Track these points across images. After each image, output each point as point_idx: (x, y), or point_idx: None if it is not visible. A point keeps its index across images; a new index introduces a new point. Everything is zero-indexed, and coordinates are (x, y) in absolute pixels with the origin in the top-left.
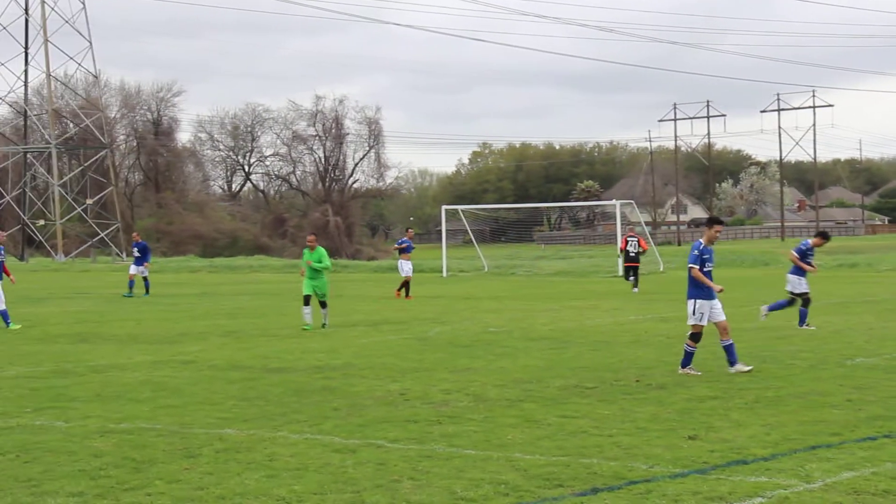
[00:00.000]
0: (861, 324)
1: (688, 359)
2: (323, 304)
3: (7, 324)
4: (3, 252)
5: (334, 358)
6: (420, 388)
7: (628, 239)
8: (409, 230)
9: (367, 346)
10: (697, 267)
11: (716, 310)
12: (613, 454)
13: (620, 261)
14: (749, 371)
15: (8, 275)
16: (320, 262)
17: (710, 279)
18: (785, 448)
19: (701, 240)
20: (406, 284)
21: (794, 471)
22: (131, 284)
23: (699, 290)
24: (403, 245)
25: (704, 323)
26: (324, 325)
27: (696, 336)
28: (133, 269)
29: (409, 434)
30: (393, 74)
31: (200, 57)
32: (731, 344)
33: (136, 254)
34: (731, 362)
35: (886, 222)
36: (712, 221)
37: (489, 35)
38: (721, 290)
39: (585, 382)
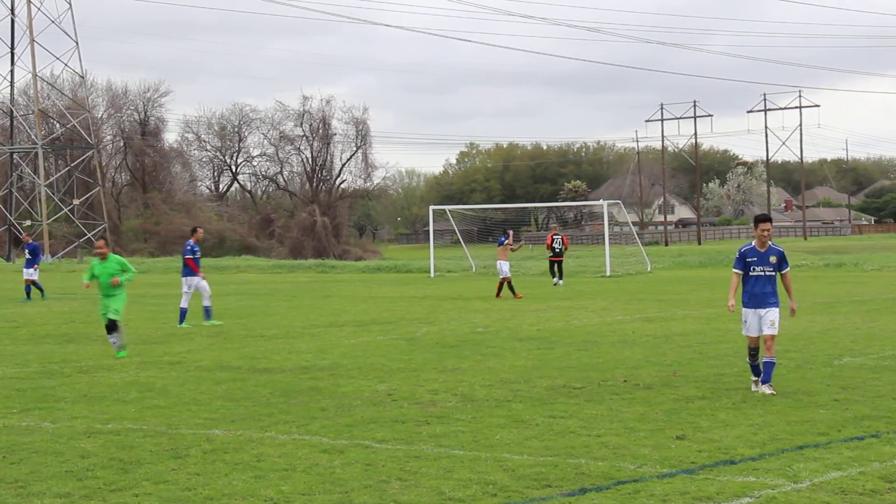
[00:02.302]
0: (848, 323)
1: (754, 371)
2: (113, 327)
3: (208, 319)
4: (198, 251)
5: (322, 358)
6: (408, 388)
7: (553, 237)
8: (509, 231)
9: (355, 346)
10: (736, 272)
11: (766, 321)
12: (601, 454)
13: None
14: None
15: (196, 271)
16: (124, 271)
17: (765, 285)
18: (772, 448)
19: (752, 241)
20: (502, 284)
21: (781, 471)
22: (28, 289)
23: (746, 296)
24: (517, 246)
25: (754, 333)
26: (122, 350)
27: (749, 349)
28: (27, 274)
29: (397, 434)
30: (380, 75)
31: (187, 57)
32: (772, 363)
33: (28, 255)
34: (763, 380)
35: (873, 222)
36: (757, 220)
37: (476, 35)
38: (731, 308)
39: (573, 382)
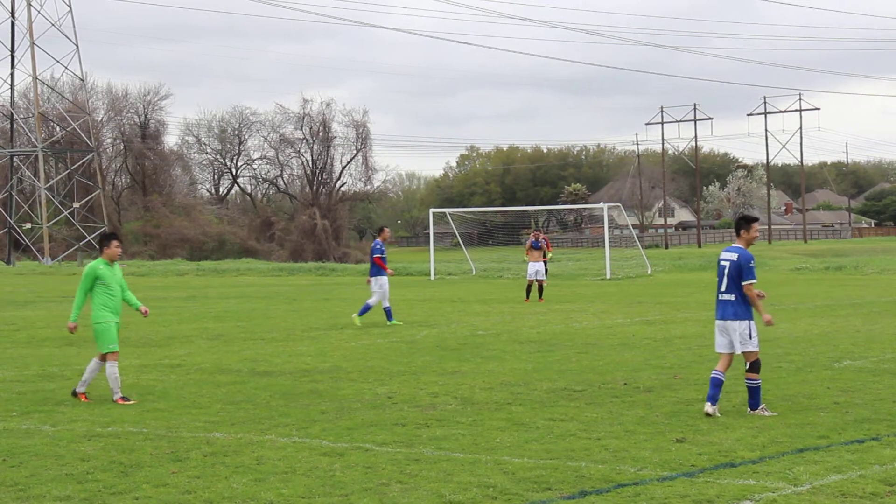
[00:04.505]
0: (848, 326)
1: (758, 396)
2: None
3: (390, 320)
4: (384, 249)
5: (322, 361)
6: (408, 391)
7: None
8: (536, 231)
9: (355, 349)
10: (755, 282)
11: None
12: (601, 457)
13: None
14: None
15: (386, 269)
16: None
17: None
18: (772, 451)
19: (740, 245)
20: (528, 287)
21: (781, 473)
22: None
23: (752, 309)
24: (532, 245)
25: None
26: None
27: (758, 366)
28: None
29: (397, 437)
30: (380, 78)
31: (188, 61)
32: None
33: None
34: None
35: (872, 225)
36: (751, 220)
37: (476, 38)
38: (770, 322)
39: (573, 385)
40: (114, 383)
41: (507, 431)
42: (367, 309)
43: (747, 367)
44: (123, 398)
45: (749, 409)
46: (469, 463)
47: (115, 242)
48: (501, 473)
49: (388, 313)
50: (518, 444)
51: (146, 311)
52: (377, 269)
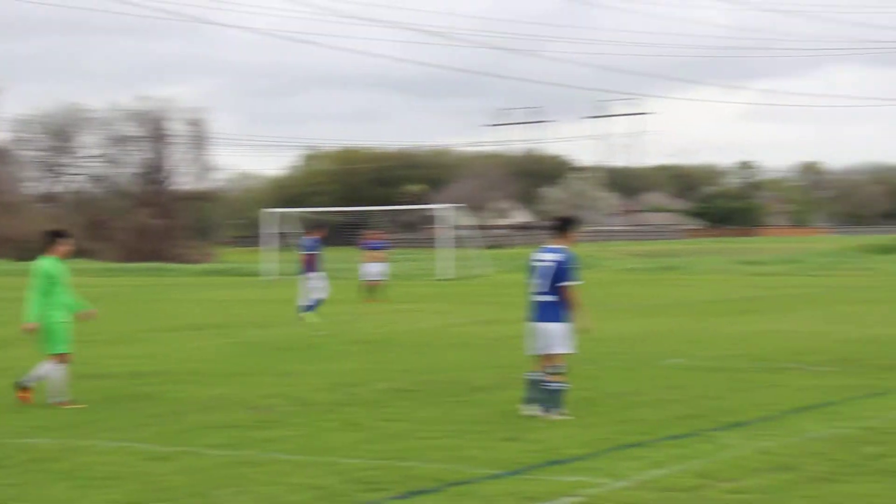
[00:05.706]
0: (676, 325)
1: (558, 400)
2: None
3: (302, 314)
4: (315, 247)
5: (153, 363)
6: (241, 392)
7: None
8: (375, 231)
9: (188, 351)
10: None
11: None
12: (433, 457)
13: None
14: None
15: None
16: None
17: None
18: (599, 447)
19: (563, 245)
20: (368, 288)
21: (606, 469)
22: None
23: (569, 313)
24: (373, 248)
25: None
26: None
27: (562, 370)
28: None
29: (228, 440)
30: (221, 77)
31: (19, 56)
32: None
33: None
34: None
35: (704, 227)
36: (575, 222)
37: (320, 38)
38: (589, 330)
39: (408, 385)
40: (58, 386)
41: (339, 432)
42: (316, 304)
43: (549, 369)
44: (70, 401)
45: (542, 411)
46: (301, 465)
47: (69, 239)
48: (333, 474)
49: (307, 308)
50: (351, 445)
51: (93, 314)
52: (307, 266)
